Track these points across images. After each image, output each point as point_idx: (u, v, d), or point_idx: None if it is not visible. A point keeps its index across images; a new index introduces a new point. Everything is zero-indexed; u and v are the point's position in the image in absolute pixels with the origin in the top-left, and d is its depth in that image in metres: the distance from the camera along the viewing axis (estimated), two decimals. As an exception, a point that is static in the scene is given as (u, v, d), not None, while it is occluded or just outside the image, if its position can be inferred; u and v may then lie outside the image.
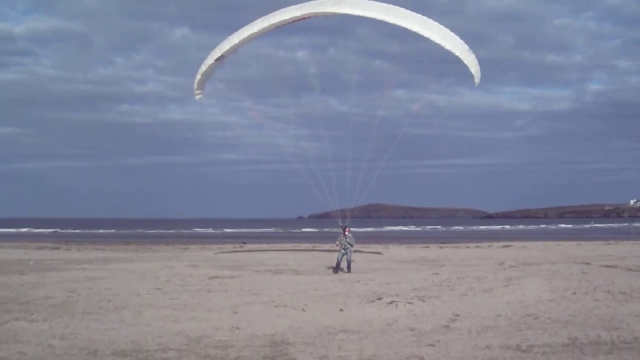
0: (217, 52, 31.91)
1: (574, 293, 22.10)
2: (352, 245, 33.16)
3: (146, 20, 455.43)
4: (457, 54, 28.59)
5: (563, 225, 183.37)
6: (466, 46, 29.18)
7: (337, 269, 32.84)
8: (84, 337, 15.66)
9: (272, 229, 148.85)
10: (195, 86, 33.74)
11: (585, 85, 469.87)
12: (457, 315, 18.42)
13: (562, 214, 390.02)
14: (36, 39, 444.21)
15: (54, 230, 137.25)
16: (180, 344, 15.05)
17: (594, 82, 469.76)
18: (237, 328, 16.85)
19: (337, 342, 15.26)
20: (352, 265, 33.17)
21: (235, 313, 19.22)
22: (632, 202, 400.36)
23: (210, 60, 32.25)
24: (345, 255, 32.95)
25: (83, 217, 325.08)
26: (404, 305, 19.93)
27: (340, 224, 33.69)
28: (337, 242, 33.42)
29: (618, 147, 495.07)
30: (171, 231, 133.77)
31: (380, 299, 21.24)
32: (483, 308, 19.65)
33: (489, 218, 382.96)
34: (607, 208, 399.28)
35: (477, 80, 30.10)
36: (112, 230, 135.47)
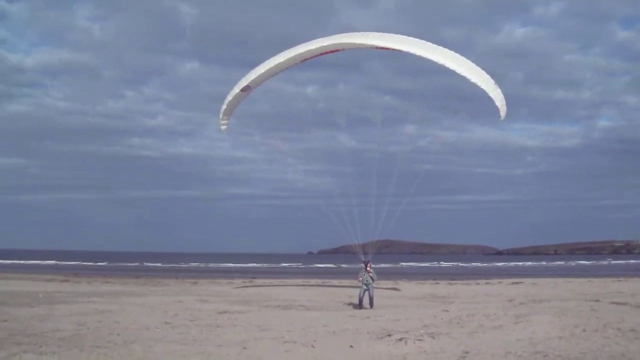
0: (243, 82, 32.07)
1: (584, 330, 22.04)
2: (373, 281, 33.12)
3: (156, 54, 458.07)
4: (482, 87, 28.72)
5: (573, 263, 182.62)
6: (492, 80, 29.34)
7: (360, 304, 32.76)
8: (94, 371, 15.70)
9: (284, 264, 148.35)
10: (221, 116, 33.84)
11: (594, 122, 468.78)
12: (467, 353, 18.40)
13: (573, 250, 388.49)
14: (46, 70, 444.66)
15: (58, 262, 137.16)
16: (190, 378, 15.08)
17: (603, 119, 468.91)
18: (247, 364, 16.87)
19: (347, 378, 15.28)
20: (374, 300, 33.02)
21: (245, 348, 19.23)
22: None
23: (236, 90, 32.40)
24: (367, 291, 32.86)
25: (91, 250, 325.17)
26: (414, 342, 19.92)
27: (363, 259, 33.57)
28: (360, 278, 33.25)
29: (628, 184, 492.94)
30: (181, 265, 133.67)
31: (390, 335, 21.24)
32: (493, 345, 19.62)
33: (499, 254, 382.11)
34: (618, 244, 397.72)
35: (502, 114, 30.18)
36: (121, 264, 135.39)
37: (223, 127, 34.67)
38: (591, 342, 19.69)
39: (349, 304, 34.50)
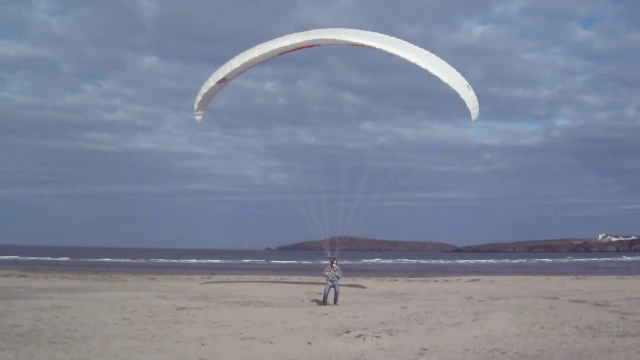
0: (219, 75, 31.79)
1: (542, 328, 22.15)
2: (339, 278, 32.99)
3: (116, 48, 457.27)
4: (455, 88, 28.80)
5: (531, 260, 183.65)
6: (465, 82, 29.42)
7: (324, 301, 32.72)
8: (50, 368, 15.51)
9: (242, 260, 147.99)
10: (196, 107, 33.49)
11: (553, 120, 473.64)
12: (425, 350, 18.39)
13: (531, 248, 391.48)
14: (4, 64, 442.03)
15: (19, 257, 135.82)
16: (147, 375, 14.93)
17: (562, 117, 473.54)
18: (204, 360, 16.75)
19: (305, 375, 15.20)
20: (339, 297, 33.01)
21: (203, 345, 19.10)
22: (600, 236, 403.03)
23: (211, 82, 32.11)
24: (332, 287, 32.77)
25: (49, 245, 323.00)
26: (372, 339, 19.88)
27: (329, 256, 33.40)
28: (326, 274, 33.07)
29: (586, 182, 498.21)
30: (139, 261, 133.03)
31: (348, 332, 21.20)
32: (451, 342, 19.63)
33: (457, 252, 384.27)
34: (576, 242, 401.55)
35: (474, 117, 30.33)
36: (79, 259, 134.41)
37: (198, 118, 34.37)
38: (549, 340, 19.77)
39: (312, 300, 34.48)
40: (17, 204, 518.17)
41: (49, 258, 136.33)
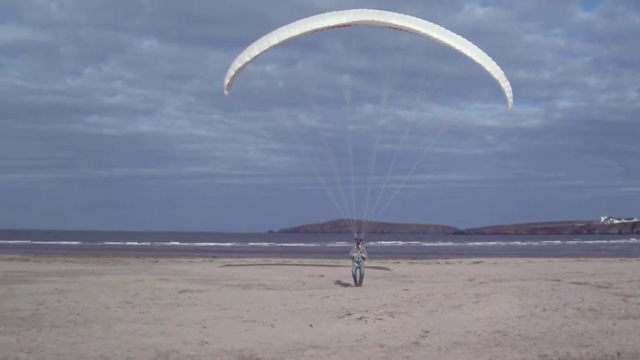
0: (255, 50, 31.50)
1: (544, 310, 22.13)
2: (365, 259, 33.15)
3: (115, 31, 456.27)
4: (495, 77, 29.44)
5: (533, 242, 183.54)
6: (502, 71, 29.92)
7: (355, 282, 32.99)
8: (52, 351, 15.49)
9: (246, 243, 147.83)
10: (227, 81, 33.08)
11: (554, 102, 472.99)
12: (427, 332, 18.38)
13: (533, 230, 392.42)
14: (2, 49, 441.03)
15: (24, 241, 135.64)
16: (149, 358, 14.92)
17: (563, 99, 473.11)
18: (206, 343, 16.74)
19: (306, 357, 15.19)
20: (364, 279, 33.28)
21: (204, 327, 19.08)
22: (602, 218, 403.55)
23: (247, 56, 31.84)
24: (359, 269, 32.93)
25: (51, 229, 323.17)
26: (374, 321, 19.86)
27: (355, 237, 33.48)
28: (352, 255, 33.13)
29: (588, 164, 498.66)
30: (142, 243, 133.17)
31: (349, 314, 21.16)
32: (452, 324, 19.62)
33: (459, 234, 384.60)
34: (578, 225, 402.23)
35: (510, 105, 31.25)
36: (82, 243, 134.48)
37: (226, 92, 34.08)
38: (551, 322, 19.75)
39: (324, 281, 34.39)
40: (16, 189, 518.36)
41: (64, 242, 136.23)
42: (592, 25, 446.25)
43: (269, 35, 31.17)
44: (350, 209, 33.50)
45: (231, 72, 32.68)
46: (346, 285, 33.58)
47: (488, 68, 29.28)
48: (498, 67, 30.05)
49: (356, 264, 32.78)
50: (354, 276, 32.93)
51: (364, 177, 33.72)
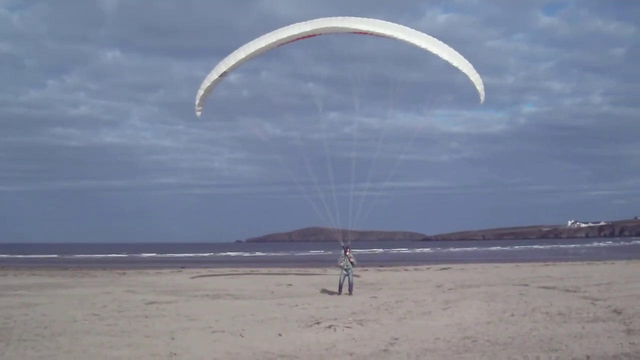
0: (222, 67, 31.35)
1: (513, 315, 22.20)
2: (354, 265, 32.91)
3: (77, 42, 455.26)
4: (464, 71, 29.42)
5: (501, 248, 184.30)
6: (471, 64, 29.91)
7: (339, 291, 32.70)
8: (18, 365, 15.36)
9: (210, 253, 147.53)
10: (197, 101, 32.91)
11: (518, 107, 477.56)
12: (396, 339, 18.35)
13: (500, 235, 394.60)
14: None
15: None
16: (116, 371, 14.80)
17: (527, 104, 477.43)
18: (175, 354, 16.63)
19: (275, 367, 15.10)
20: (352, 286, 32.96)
21: (173, 339, 18.97)
22: (569, 223, 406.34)
23: (214, 75, 31.67)
24: (347, 277, 32.69)
25: (16, 242, 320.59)
26: (343, 330, 19.83)
27: (342, 244, 33.16)
28: (341, 263, 32.89)
29: (555, 169, 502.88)
30: (109, 256, 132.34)
31: (318, 323, 21.14)
32: (422, 331, 19.61)
33: (427, 241, 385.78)
34: (545, 229, 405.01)
35: (482, 98, 31.49)
36: (50, 255, 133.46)
37: (198, 114, 33.87)
38: (520, 327, 19.81)
39: (282, 292, 34.32)
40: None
41: (31, 255, 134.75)
42: (555, 30, 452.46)
43: (235, 52, 31.09)
44: (325, 217, 33.29)
45: (200, 92, 32.58)
46: (314, 294, 33.50)
47: (455, 63, 29.28)
48: (466, 61, 30.03)
49: (344, 272, 32.64)
50: (340, 285, 32.76)
51: (328, 186, 33.53)
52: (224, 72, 31.46)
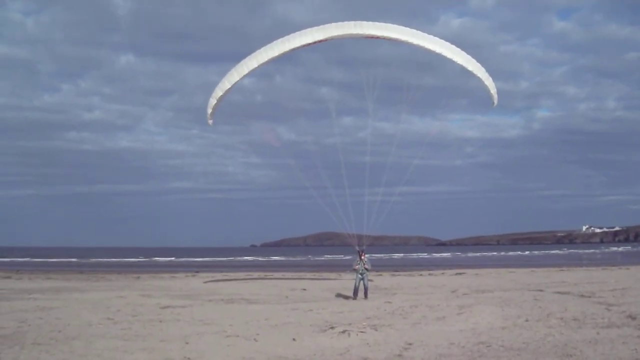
0: (234, 76, 31.31)
1: (527, 320, 22.11)
2: (368, 270, 32.86)
3: (91, 47, 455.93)
4: (478, 75, 29.69)
5: (518, 252, 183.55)
6: (484, 68, 30.05)
7: (355, 295, 32.61)
8: (33, 369, 15.40)
9: (228, 258, 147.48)
10: (210, 110, 32.86)
11: (533, 112, 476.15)
12: (410, 344, 18.33)
13: (515, 240, 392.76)
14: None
15: (5, 259, 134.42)
16: (130, 375, 14.82)
17: (542, 109, 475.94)
18: (189, 359, 16.69)
19: (289, 372, 15.11)
20: (368, 291, 32.89)
21: (187, 343, 18.99)
22: (584, 228, 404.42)
23: (227, 84, 31.62)
24: (362, 281, 32.63)
25: (33, 246, 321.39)
26: (357, 335, 19.81)
27: (357, 248, 33.00)
28: (356, 266, 32.83)
29: (569, 174, 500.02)
30: (124, 260, 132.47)
31: (332, 328, 21.11)
32: (436, 336, 19.57)
33: (442, 245, 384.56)
34: (560, 234, 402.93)
35: (495, 101, 32.02)
36: (64, 259, 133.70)
37: (210, 122, 33.82)
38: (534, 332, 19.74)
39: (307, 295, 34.31)
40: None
41: (46, 259, 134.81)
42: (569, 34, 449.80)
43: (247, 59, 30.99)
44: (340, 222, 33.18)
45: (213, 101, 32.49)
46: (328, 299, 33.48)
47: (470, 67, 29.41)
48: (479, 65, 30.13)
49: (360, 276, 32.56)
50: (356, 289, 32.65)
51: (342, 190, 33.50)
52: (237, 81, 31.40)
